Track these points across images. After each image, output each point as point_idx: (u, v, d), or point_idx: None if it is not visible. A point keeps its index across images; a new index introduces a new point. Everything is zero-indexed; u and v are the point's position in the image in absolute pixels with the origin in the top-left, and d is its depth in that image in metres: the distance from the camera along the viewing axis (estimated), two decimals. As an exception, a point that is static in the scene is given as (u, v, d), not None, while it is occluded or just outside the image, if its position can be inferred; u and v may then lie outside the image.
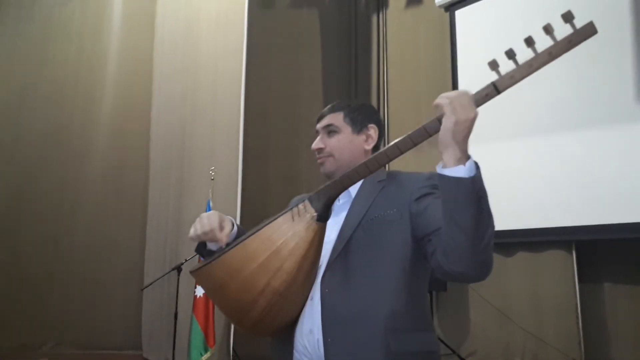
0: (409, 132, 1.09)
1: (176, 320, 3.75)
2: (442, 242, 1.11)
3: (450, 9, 5.01)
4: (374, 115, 1.43)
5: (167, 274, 4.13)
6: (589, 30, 0.99)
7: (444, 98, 1.04)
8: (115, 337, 5.36)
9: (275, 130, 5.50)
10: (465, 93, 1.04)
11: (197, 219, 1.27)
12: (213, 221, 1.25)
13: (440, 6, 5.09)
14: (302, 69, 5.75)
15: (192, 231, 1.26)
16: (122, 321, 5.39)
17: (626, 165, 3.82)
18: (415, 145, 1.08)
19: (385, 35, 5.85)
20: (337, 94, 5.75)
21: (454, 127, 1.01)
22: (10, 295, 5.17)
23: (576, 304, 4.04)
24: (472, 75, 4.53)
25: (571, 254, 4.12)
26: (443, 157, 1.04)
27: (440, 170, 1.05)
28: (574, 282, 4.07)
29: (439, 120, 1.05)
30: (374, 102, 5.76)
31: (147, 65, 5.81)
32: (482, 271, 1.12)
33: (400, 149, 1.11)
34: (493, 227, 1.09)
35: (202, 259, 1.34)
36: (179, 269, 3.75)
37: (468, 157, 1.03)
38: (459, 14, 4.92)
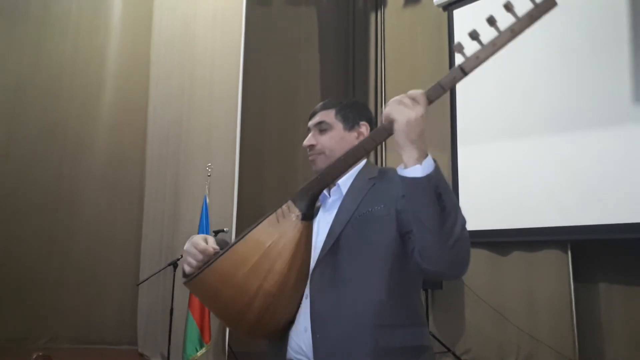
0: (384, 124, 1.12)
1: (172, 316, 3.76)
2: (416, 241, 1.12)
3: (448, 8, 5.02)
4: (366, 112, 1.44)
5: (162, 269, 4.13)
6: (549, 4, 1.00)
7: (388, 105, 1.07)
8: (111, 332, 5.37)
9: (272, 127, 5.50)
10: (404, 95, 1.07)
11: (185, 254, 1.25)
12: (200, 244, 1.24)
13: (438, 5, 5.09)
14: (300, 66, 5.75)
15: (187, 268, 1.24)
16: (118, 316, 5.40)
17: (622, 166, 3.84)
18: (389, 135, 1.11)
19: (383, 34, 5.85)
20: (335, 92, 5.75)
21: (405, 127, 1.04)
22: (5, 289, 5.16)
23: (571, 304, 4.05)
24: (470, 74, 4.54)
25: (566, 253, 4.14)
26: (403, 158, 1.06)
27: (399, 171, 1.07)
28: (569, 281, 4.09)
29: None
30: (371, 101, 5.77)
31: (144, 61, 5.80)
32: (456, 269, 1.12)
33: (375, 141, 1.14)
34: (462, 223, 1.08)
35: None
36: (174, 264, 3.75)
37: (426, 156, 1.05)
38: (457, 13, 4.93)
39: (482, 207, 4.32)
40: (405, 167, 1.06)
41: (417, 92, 1.07)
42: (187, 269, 1.24)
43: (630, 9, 3.92)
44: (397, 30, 5.72)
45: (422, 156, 1.05)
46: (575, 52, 4.11)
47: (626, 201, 3.78)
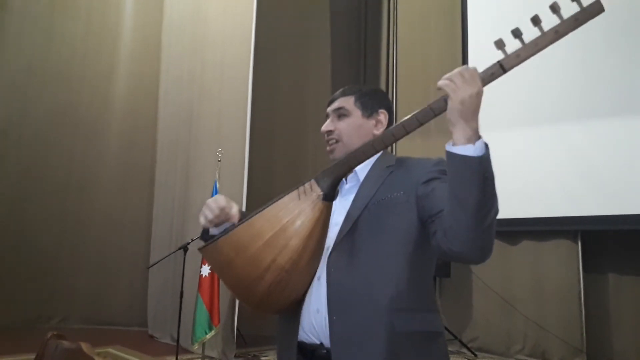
0: (415, 112, 1.09)
1: (182, 299, 3.79)
2: (444, 221, 1.10)
3: (462, -7, 4.95)
4: (385, 100, 1.43)
5: (173, 253, 4.17)
6: (596, 9, 0.98)
7: (445, 79, 1.03)
8: (122, 314, 5.45)
9: (282, 112, 5.49)
10: (467, 69, 1.03)
11: (204, 206, 1.28)
12: (221, 201, 1.27)
13: (452, -10, 5.03)
14: (311, 51, 5.71)
15: (202, 219, 1.27)
16: (129, 298, 5.48)
17: (634, 157, 3.80)
18: (421, 124, 1.08)
19: (395, 18, 5.79)
20: (346, 76, 5.71)
21: (460, 105, 1.01)
22: (19, 270, 5.24)
23: (580, 294, 4.04)
24: (483, 57, 4.49)
25: (576, 243, 4.12)
26: (453, 135, 1.03)
27: (448, 147, 1.04)
28: (579, 271, 4.08)
29: (444, 100, 1.05)
30: (382, 85, 5.74)
31: (156, 45, 5.80)
32: (480, 254, 1.10)
33: (406, 129, 1.10)
34: (497, 210, 1.07)
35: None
36: (185, 248, 3.78)
37: (479, 137, 1.02)
38: (471, -2, 4.86)
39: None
40: (455, 144, 1.02)
41: (472, 69, 1.03)
42: (202, 220, 1.26)
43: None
44: (409, 15, 5.66)
45: (475, 137, 1.02)
46: (588, 40, 4.04)
47: (638, 192, 3.75)
